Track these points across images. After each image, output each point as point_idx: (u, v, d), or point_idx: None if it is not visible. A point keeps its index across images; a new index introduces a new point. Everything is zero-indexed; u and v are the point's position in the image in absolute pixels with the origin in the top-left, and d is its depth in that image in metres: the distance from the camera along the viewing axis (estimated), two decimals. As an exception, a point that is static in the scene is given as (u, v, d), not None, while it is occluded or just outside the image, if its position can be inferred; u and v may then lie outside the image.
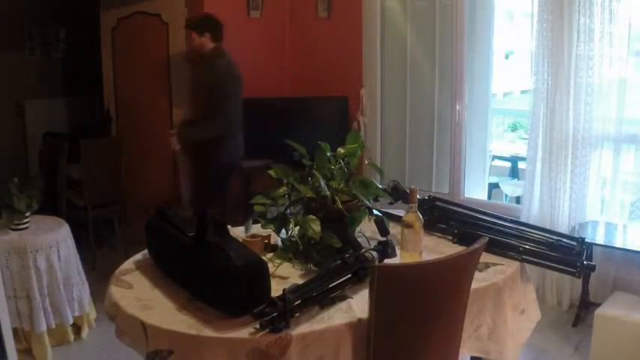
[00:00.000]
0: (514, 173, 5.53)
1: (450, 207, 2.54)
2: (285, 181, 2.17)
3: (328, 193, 2.10)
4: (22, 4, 5.85)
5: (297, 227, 2.12)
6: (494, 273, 2.10)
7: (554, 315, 3.71)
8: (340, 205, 2.10)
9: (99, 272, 4.10)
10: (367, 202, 2.17)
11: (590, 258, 2.32)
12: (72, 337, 3.39)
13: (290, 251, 2.15)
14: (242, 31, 4.78)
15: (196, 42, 4.05)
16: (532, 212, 3.90)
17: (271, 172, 2.21)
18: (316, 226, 2.02)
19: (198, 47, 4.07)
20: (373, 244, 2.11)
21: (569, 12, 3.59)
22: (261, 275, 1.75)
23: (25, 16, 5.99)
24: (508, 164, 5.62)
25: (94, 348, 3.37)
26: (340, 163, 2.22)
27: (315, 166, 2.18)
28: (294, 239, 2.14)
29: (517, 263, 2.20)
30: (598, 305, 3.33)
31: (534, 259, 2.22)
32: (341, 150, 2.23)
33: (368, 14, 4.68)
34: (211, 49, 4.06)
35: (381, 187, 2.33)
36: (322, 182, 2.11)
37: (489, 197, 4.97)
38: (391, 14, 4.74)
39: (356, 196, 2.15)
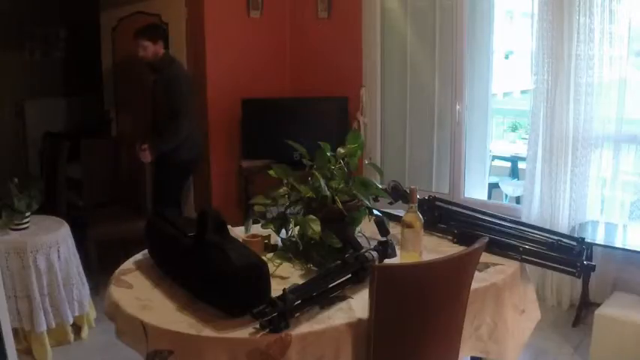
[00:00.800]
0: (514, 173, 5.53)
1: (450, 207, 2.54)
2: (285, 181, 2.17)
3: (328, 193, 2.10)
4: (22, 4, 5.85)
5: (297, 227, 2.12)
6: (494, 273, 2.10)
7: (554, 315, 3.71)
8: (340, 205, 2.10)
9: (99, 272, 4.09)
10: (367, 202, 2.17)
11: (590, 258, 2.32)
12: (72, 337, 3.39)
13: (290, 251, 2.15)
14: (242, 31, 4.79)
15: (150, 50, 4.11)
16: (532, 212, 3.89)
17: (271, 172, 2.21)
18: (316, 226, 2.02)
19: (152, 55, 4.13)
20: (373, 244, 2.11)
21: (569, 12, 3.59)
22: (261, 275, 1.75)
23: (25, 16, 5.99)
24: (508, 164, 5.62)
25: (94, 348, 3.36)
26: (340, 163, 2.22)
27: (315, 166, 2.18)
28: (294, 239, 2.13)
29: (517, 263, 2.20)
30: (598, 305, 3.33)
31: (534, 259, 2.22)
32: (341, 150, 2.23)
33: (368, 14, 4.68)
34: (163, 55, 4.18)
35: (381, 187, 2.33)
36: (322, 182, 2.11)
37: (489, 197, 4.97)
38: (391, 14, 4.73)
39: (356, 196, 2.15)
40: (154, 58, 4.14)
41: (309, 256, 2.09)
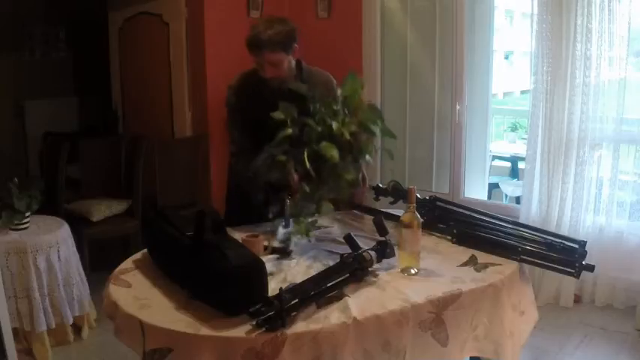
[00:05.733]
0: (514, 173, 5.53)
1: (450, 207, 2.54)
2: (291, 118, 2.16)
3: (335, 125, 2.10)
4: (22, 4, 5.86)
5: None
6: (492, 273, 2.10)
7: (554, 314, 3.70)
8: (348, 136, 2.10)
9: (99, 272, 4.09)
10: (375, 131, 2.17)
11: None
12: (72, 337, 3.38)
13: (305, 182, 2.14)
14: (242, 31, 4.77)
15: (286, 65, 2.77)
16: (531, 212, 3.89)
17: (276, 113, 2.21)
18: (334, 151, 2.03)
19: (288, 71, 2.80)
20: (372, 244, 2.11)
21: (569, 12, 3.59)
22: (257, 275, 1.75)
23: (25, 16, 6.00)
24: (508, 164, 5.62)
25: (94, 348, 3.36)
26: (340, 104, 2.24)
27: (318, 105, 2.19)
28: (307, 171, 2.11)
29: (516, 263, 2.19)
30: (598, 305, 3.34)
31: (533, 260, 2.21)
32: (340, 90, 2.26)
33: (368, 14, 4.68)
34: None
35: (381, 185, 2.32)
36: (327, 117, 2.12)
37: (489, 197, 4.96)
38: (391, 14, 4.73)
39: (363, 124, 2.15)
40: (290, 72, 2.79)
41: (324, 181, 2.09)
